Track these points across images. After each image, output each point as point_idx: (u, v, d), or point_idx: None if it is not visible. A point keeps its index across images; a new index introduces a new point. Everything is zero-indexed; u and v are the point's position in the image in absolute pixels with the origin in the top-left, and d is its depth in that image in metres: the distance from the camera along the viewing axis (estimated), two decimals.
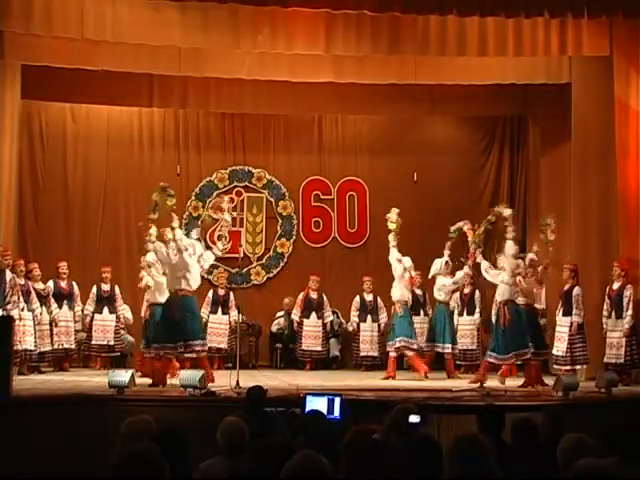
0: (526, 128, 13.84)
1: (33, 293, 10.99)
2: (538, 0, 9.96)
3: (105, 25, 9.89)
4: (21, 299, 10.47)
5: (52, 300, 11.44)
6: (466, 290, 12.40)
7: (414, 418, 4.64)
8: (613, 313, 10.35)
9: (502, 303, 9.97)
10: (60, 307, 11.57)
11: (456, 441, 3.24)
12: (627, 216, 10.56)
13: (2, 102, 11.06)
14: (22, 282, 10.77)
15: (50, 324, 11.34)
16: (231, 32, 10.15)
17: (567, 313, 10.50)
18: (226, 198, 10.89)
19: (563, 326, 10.53)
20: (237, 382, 8.86)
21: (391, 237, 11.13)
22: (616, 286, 10.34)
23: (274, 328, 13.25)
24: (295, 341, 12.83)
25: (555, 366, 10.61)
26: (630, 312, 10.15)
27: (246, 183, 14.01)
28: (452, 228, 10.92)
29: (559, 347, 10.50)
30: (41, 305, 11.16)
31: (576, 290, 10.44)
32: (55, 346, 11.40)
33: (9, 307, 10.00)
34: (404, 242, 13.37)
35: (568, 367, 10.35)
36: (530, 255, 10.75)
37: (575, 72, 11.31)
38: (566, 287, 10.67)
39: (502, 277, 9.99)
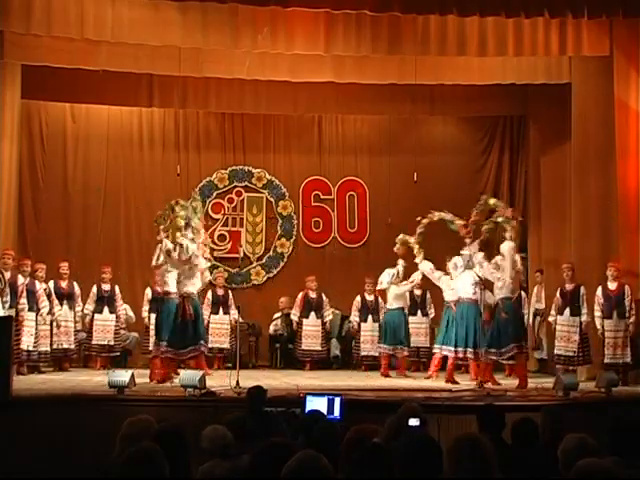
0: (526, 128, 13.81)
1: (39, 293, 10.98)
2: (538, 0, 9.96)
3: (105, 25, 9.88)
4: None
5: (56, 301, 11.42)
6: None
7: (414, 421, 4.64)
8: (615, 313, 10.32)
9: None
10: (60, 307, 11.56)
11: (456, 441, 3.24)
12: (627, 216, 10.54)
13: (2, 102, 11.05)
14: (27, 281, 10.79)
15: (51, 324, 11.33)
16: (231, 32, 10.14)
17: (575, 313, 10.52)
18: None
19: (572, 325, 10.53)
20: (237, 382, 8.87)
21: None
22: (614, 286, 10.32)
23: (271, 330, 13.20)
24: (294, 341, 12.82)
25: (558, 366, 10.59)
26: (634, 312, 10.15)
27: (246, 183, 14.01)
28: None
29: (568, 347, 10.50)
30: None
31: (583, 290, 10.47)
32: (55, 346, 11.39)
33: None
34: None
35: (579, 367, 10.38)
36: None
37: (575, 72, 11.30)
38: (569, 287, 10.67)
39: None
